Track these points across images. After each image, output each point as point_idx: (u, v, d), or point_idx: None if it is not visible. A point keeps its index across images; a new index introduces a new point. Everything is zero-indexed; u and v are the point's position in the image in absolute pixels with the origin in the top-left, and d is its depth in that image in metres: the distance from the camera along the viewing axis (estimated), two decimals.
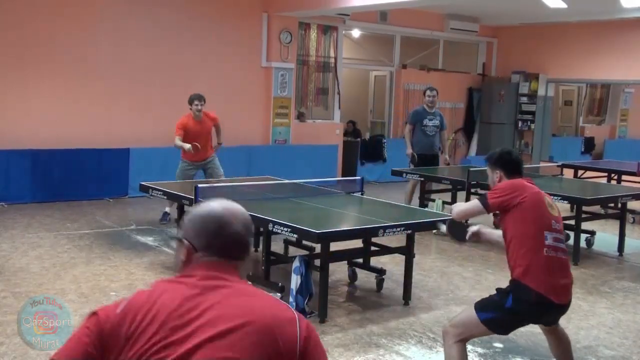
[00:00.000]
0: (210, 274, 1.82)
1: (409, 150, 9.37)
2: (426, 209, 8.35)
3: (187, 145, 7.96)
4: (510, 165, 3.81)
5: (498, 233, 3.89)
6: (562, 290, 3.50)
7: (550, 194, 7.15)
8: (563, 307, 3.58)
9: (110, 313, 1.76)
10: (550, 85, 14.38)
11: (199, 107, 8.22)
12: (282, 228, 5.07)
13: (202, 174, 8.55)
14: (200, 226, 1.90)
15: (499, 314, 3.52)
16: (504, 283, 6.33)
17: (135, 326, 1.71)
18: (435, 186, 9.32)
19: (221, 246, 1.87)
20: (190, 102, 8.25)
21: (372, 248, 6.04)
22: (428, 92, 9.41)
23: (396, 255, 5.94)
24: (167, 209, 8.38)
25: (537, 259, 3.45)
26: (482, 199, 3.81)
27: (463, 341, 3.60)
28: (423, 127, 9.31)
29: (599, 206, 9.03)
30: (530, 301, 3.44)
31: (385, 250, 6.04)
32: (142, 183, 6.94)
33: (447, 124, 10.25)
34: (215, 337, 1.68)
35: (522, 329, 5.07)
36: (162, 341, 1.68)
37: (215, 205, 1.94)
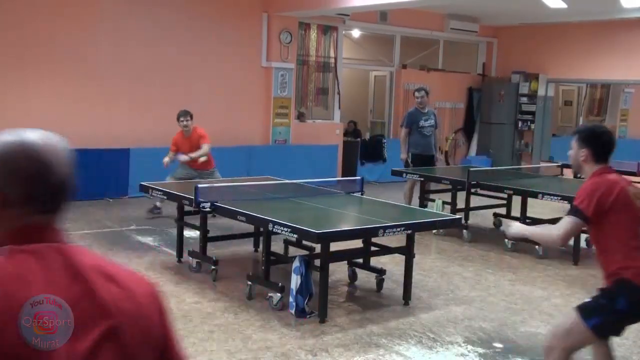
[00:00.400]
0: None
1: (403, 155, 9.41)
2: (426, 209, 8.36)
3: (184, 157, 8.47)
4: (604, 148, 3.41)
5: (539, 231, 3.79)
6: None
7: (551, 194, 7.26)
8: None
9: None
10: (550, 85, 14.38)
11: (185, 123, 8.54)
12: (282, 228, 5.06)
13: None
14: (11, 168, 1.33)
15: (608, 317, 3.30)
16: (504, 283, 6.36)
17: None
18: (434, 186, 9.32)
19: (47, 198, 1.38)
20: (177, 119, 8.57)
21: (372, 248, 6.04)
22: (416, 94, 9.50)
23: (396, 255, 5.94)
24: (158, 203, 8.56)
25: None
26: (574, 212, 3.34)
27: (570, 353, 3.36)
28: (420, 129, 9.34)
29: None
30: None
31: (385, 250, 6.05)
32: (142, 183, 6.94)
33: (447, 124, 10.31)
34: None
35: (522, 329, 5.08)
36: None
37: (29, 135, 1.40)
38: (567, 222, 3.31)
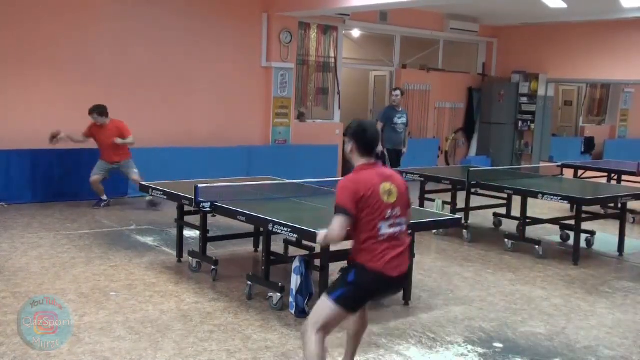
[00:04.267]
0: None
1: (380, 148, 9.77)
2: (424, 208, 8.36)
3: (120, 140, 9.25)
4: (364, 143, 3.81)
5: None
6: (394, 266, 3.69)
7: (550, 194, 7.26)
8: (398, 280, 3.74)
9: None
10: (550, 85, 14.38)
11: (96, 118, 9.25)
12: (282, 228, 5.06)
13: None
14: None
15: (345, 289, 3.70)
16: (504, 283, 6.36)
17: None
18: (434, 186, 9.33)
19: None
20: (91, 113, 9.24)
21: None
22: (393, 92, 10.54)
23: None
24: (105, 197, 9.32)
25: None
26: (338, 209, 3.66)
27: (322, 331, 3.65)
28: (393, 125, 10.27)
29: (599, 206, 9.04)
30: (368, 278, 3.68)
31: None
32: (142, 183, 6.93)
33: (447, 124, 10.64)
34: None
35: (522, 329, 5.08)
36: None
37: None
38: (336, 221, 3.62)
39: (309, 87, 12.61)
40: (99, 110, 9.18)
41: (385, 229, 3.63)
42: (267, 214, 5.34)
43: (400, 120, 10.34)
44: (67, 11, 9.74)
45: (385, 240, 3.63)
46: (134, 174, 9.29)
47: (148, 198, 8.96)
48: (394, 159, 10.22)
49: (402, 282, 3.84)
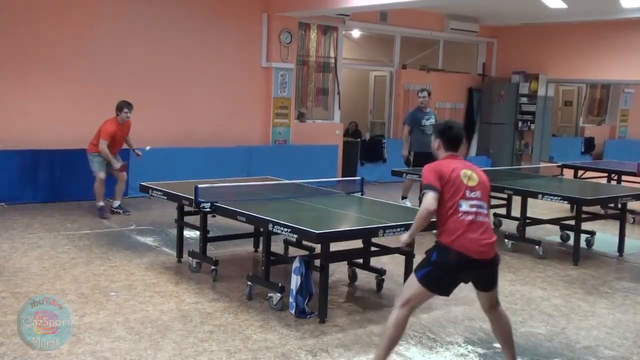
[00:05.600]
0: None
1: (405, 152, 9.83)
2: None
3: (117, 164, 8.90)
4: (449, 138, 4.19)
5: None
6: (483, 249, 3.88)
7: (550, 194, 7.26)
8: (483, 263, 3.90)
9: None
10: (550, 86, 14.38)
11: (129, 115, 8.93)
12: (282, 228, 5.06)
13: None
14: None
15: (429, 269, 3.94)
16: (504, 283, 6.35)
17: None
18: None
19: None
20: (121, 110, 8.87)
21: (372, 248, 6.04)
22: (420, 94, 10.04)
23: (396, 255, 5.93)
24: (102, 203, 8.78)
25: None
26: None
27: (407, 305, 3.96)
28: (421, 127, 9.73)
29: (599, 206, 9.04)
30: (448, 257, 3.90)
31: (385, 250, 6.04)
32: (142, 183, 6.94)
33: None
34: None
35: (521, 329, 5.08)
36: None
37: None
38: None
39: (309, 88, 12.61)
40: (131, 106, 8.93)
41: (465, 207, 3.87)
42: (267, 214, 5.34)
43: (428, 121, 9.70)
44: (67, 11, 9.74)
45: (466, 218, 3.85)
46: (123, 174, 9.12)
47: (99, 205, 8.79)
48: (424, 162, 9.72)
49: (487, 266, 3.93)
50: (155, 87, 10.55)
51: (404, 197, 9.67)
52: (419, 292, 3.93)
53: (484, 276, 4.02)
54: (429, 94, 10.01)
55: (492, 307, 4.10)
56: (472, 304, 5.68)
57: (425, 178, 3.98)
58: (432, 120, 9.74)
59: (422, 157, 9.52)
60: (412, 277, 3.98)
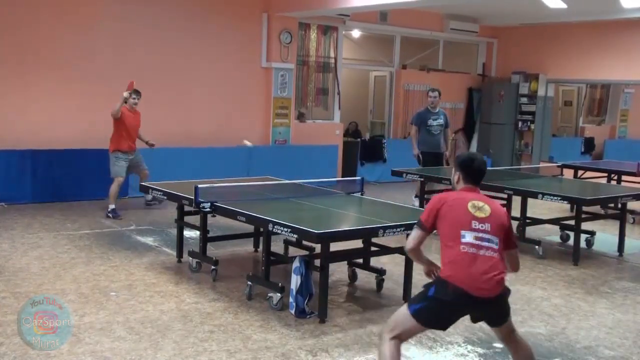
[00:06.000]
0: None
1: (415, 151, 9.79)
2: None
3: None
4: (469, 172, 3.85)
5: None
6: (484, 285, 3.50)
7: (550, 194, 7.26)
8: (486, 301, 3.52)
9: None
10: (550, 86, 14.38)
11: (136, 101, 8.89)
12: (282, 228, 5.06)
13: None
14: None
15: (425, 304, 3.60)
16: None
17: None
18: (437, 186, 9.34)
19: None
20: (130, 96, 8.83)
21: (372, 248, 6.04)
22: (430, 93, 9.94)
23: (396, 255, 5.93)
24: (114, 205, 8.74)
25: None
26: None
27: (397, 338, 3.60)
28: (428, 127, 9.76)
29: (599, 206, 9.04)
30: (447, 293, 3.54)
31: (385, 250, 6.04)
32: (142, 183, 6.94)
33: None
34: None
35: (522, 329, 5.07)
36: None
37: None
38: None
39: (309, 88, 12.61)
40: (140, 94, 8.89)
41: (470, 238, 3.53)
42: (267, 214, 5.34)
43: (435, 122, 9.78)
44: (67, 11, 9.74)
45: (469, 251, 3.51)
46: (145, 168, 9.07)
47: (148, 197, 8.85)
48: (431, 162, 9.70)
49: (491, 305, 3.55)
50: (156, 87, 10.53)
51: (416, 196, 9.51)
52: (411, 326, 3.58)
53: (490, 314, 3.67)
54: (440, 94, 9.95)
55: (509, 337, 3.78)
56: None
57: (425, 210, 3.77)
58: (441, 121, 9.79)
59: (429, 157, 9.74)
60: (405, 310, 3.60)
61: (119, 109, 8.62)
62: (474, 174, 3.81)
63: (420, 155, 9.75)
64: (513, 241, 3.71)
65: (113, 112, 8.63)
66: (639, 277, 6.95)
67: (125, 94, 8.67)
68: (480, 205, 3.66)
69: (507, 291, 3.61)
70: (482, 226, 3.58)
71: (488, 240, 3.56)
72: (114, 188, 8.77)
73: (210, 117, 11.19)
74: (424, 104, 13.99)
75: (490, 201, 3.73)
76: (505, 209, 3.86)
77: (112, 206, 8.70)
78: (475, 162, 3.84)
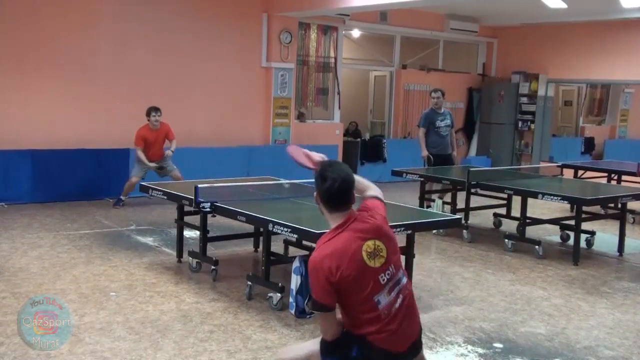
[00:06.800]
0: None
1: (424, 153, 9.58)
2: (428, 209, 8.36)
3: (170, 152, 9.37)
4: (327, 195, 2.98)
5: None
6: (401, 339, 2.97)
7: (550, 194, 7.25)
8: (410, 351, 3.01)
9: None
10: (550, 85, 14.38)
11: (157, 118, 9.24)
12: (282, 228, 5.06)
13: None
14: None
15: None
16: (504, 283, 6.36)
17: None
18: (436, 186, 9.34)
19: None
20: (149, 114, 9.22)
21: None
22: (433, 94, 9.66)
23: None
24: (124, 198, 9.32)
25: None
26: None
27: None
28: (436, 129, 9.54)
29: (599, 206, 9.04)
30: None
31: None
32: (142, 183, 6.94)
33: None
34: None
35: (522, 329, 5.07)
36: None
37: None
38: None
39: (309, 87, 12.61)
40: (160, 110, 9.24)
41: (385, 299, 2.89)
42: (267, 214, 5.34)
43: (443, 122, 9.49)
44: (68, 11, 9.74)
45: (391, 311, 2.91)
46: (176, 169, 9.34)
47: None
48: (440, 163, 9.47)
49: (415, 352, 3.04)
50: (156, 87, 10.55)
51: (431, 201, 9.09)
52: None
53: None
54: (443, 95, 9.65)
55: None
56: (472, 304, 5.68)
57: (312, 288, 2.89)
58: (448, 122, 9.57)
59: (438, 159, 9.51)
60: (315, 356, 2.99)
61: (145, 161, 9.20)
62: (333, 198, 2.94)
63: (431, 157, 9.49)
64: (396, 243, 3.11)
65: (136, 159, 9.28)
66: (639, 277, 6.95)
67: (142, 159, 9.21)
68: (373, 246, 2.90)
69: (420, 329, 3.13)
70: (388, 274, 2.90)
71: (398, 283, 2.95)
72: (127, 183, 9.26)
73: (210, 117, 11.19)
74: (423, 104, 14.12)
75: (373, 228, 2.95)
76: (379, 211, 3.07)
77: (121, 197, 9.30)
78: (327, 180, 2.93)
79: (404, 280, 3.01)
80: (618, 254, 7.65)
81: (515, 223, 8.14)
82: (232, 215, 5.63)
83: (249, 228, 6.65)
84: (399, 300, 2.93)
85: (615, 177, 10.54)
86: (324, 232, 4.91)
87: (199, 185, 5.85)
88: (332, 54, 12.77)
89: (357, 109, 14.84)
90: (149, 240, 7.58)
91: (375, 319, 2.86)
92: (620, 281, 6.65)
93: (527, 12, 12.79)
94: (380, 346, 2.88)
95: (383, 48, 14.28)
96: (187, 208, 6.30)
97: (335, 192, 2.92)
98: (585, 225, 7.60)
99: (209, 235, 6.40)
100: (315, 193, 3.01)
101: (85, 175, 9.75)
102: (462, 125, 15.00)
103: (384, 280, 2.89)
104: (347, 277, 2.81)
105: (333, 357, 2.98)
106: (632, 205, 8.45)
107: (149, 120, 9.19)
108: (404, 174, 8.91)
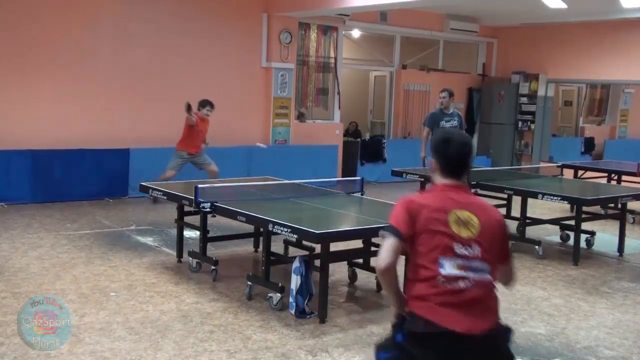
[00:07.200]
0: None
1: (422, 154, 9.57)
2: None
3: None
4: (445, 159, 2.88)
5: None
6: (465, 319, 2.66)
7: (550, 194, 7.25)
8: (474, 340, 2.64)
9: None
10: (550, 86, 14.38)
11: (208, 113, 9.40)
12: (282, 228, 5.06)
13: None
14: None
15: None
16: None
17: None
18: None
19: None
20: (204, 107, 9.36)
21: (372, 248, 6.03)
22: (441, 94, 9.53)
23: None
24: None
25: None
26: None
27: None
28: (440, 130, 9.40)
29: (599, 206, 9.04)
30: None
31: None
32: (142, 183, 6.94)
33: None
34: None
35: (522, 329, 5.07)
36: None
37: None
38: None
39: (309, 88, 12.60)
40: (213, 105, 9.35)
41: (449, 269, 2.67)
42: (267, 214, 5.34)
43: (449, 123, 9.26)
44: (68, 11, 9.74)
45: (448, 286, 2.67)
46: (213, 163, 9.43)
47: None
48: None
49: (485, 344, 2.67)
50: (156, 87, 10.55)
51: None
52: None
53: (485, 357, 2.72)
54: (451, 95, 9.45)
55: None
56: None
57: (391, 215, 2.79)
58: (455, 123, 9.42)
59: None
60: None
61: (194, 121, 9.18)
62: (452, 161, 2.84)
63: (427, 159, 9.58)
64: (507, 253, 2.91)
65: (191, 123, 9.19)
66: (639, 277, 6.95)
67: (188, 116, 9.17)
68: (466, 217, 2.74)
69: (504, 331, 2.83)
70: (468, 251, 2.70)
71: (475, 270, 2.70)
72: (161, 177, 9.03)
73: (210, 117, 11.16)
74: (423, 104, 14.13)
75: (480, 207, 2.83)
76: (499, 212, 2.91)
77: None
78: (452, 144, 2.86)
79: (487, 276, 2.73)
80: (618, 254, 7.65)
81: (515, 223, 8.13)
82: (232, 215, 5.63)
83: (249, 228, 6.65)
84: (465, 284, 2.67)
85: (615, 177, 10.54)
86: (323, 232, 4.98)
87: (199, 185, 5.86)
88: (332, 54, 12.76)
89: (357, 109, 14.85)
90: (149, 240, 7.58)
91: (432, 279, 2.67)
92: (620, 281, 6.65)
93: (527, 12, 12.78)
94: (433, 320, 2.62)
95: (383, 48, 14.28)
96: (187, 208, 6.31)
97: (456, 156, 2.84)
98: (585, 225, 7.60)
99: (209, 235, 6.40)
100: (431, 159, 2.91)
101: (85, 175, 9.74)
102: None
103: (459, 251, 2.68)
104: (426, 219, 2.71)
105: (381, 354, 2.82)
106: (632, 205, 8.45)
107: (200, 110, 9.29)
108: (404, 174, 8.92)
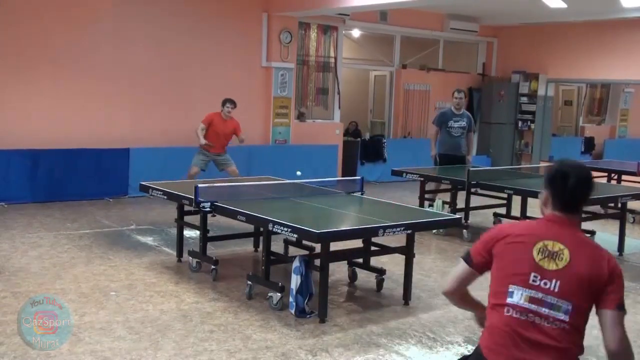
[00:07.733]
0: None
1: (432, 152, 9.61)
2: (429, 209, 8.36)
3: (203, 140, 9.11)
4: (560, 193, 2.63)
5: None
6: None
7: None
8: None
9: None
10: (550, 85, 14.38)
11: (230, 110, 9.32)
12: (282, 228, 5.06)
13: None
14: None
15: None
16: None
17: None
18: (430, 186, 9.36)
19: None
20: (224, 104, 9.31)
21: (372, 248, 6.04)
22: (455, 94, 9.54)
23: (396, 255, 5.94)
24: None
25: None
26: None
27: None
28: (448, 129, 9.47)
29: (599, 206, 9.04)
30: None
31: (385, 250, 6.04)
32: (142, 183, 6.94)
33: None
34: None
35: None
36: None
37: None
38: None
39: (309, 87, 12.60)
40: (235, 103, 9.35)
41: (518, 298, 2.47)
42: (267, 214, 5.34)
43: (457, 123, 9.37)
44: (67, 10, 9.74)
45: (514, 316, 2.48)
46: (233, 164, 9.41)
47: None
48: (448, 164, 9.36)
49: None
50: (156, 87, 10.55)
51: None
52: None
53: None
54: (465, 96, 9.49)
55: None
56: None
57: (479, 240, 2.69)
58: (463, 123, 9.44)
59: (446, 159, 9.46)
60: None
61: (199, 135, 9.14)
62: (565, 199, 2.59)
63: (438, 157, 9.52)
64: (612, 298, 2.67)
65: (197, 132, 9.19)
66: (639, 277, 6.95)
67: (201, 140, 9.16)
68: (555, 249, 2.49)
69: None
70: (545, 284, 2.46)
71: (550, 306, 2.47)
72: (188, 172, 9.10)
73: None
74: (423, 104, 14.14)
75: (581, 243, 2.56)
76: (608, 256, 2.60)
77: None
78: (570, 180, 2.59)
79: (563, 317, 2.53)
80: (618, 253, 7.65)
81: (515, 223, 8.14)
82: (232, 215, 5.63)
83: (249, 228, 6.65)
84: (534, 319, 2.46)
85: (615, 177, 10.54)
86: (323, 232, 4.98)
87: (199, 185, 5.85)
88: (332, 54, 12.76)
89: (357, 109, 14.84)
90: (149, 240, 7.58)
91: (498, 307, 2.52)
92: None
93: (527, 12, 12.78)
94: (482, 348, 2.53)
95: (383, 48, 14.28)
96: (187, 208, 6.31)
97: (574, 194, 2.62)
98: (585, 225, 7.59)
99: (209, 235, 6.41)
100: (543, 192, 2.64)
101: (85, 175, 9.74)
102: None
103: (534, 282, 2.47)
104: (509, 244, 2.54)
105: None
106: (632, 205, 8.44)
107: (221, 110, 9.27)
108: (404, 174, 8.92)
